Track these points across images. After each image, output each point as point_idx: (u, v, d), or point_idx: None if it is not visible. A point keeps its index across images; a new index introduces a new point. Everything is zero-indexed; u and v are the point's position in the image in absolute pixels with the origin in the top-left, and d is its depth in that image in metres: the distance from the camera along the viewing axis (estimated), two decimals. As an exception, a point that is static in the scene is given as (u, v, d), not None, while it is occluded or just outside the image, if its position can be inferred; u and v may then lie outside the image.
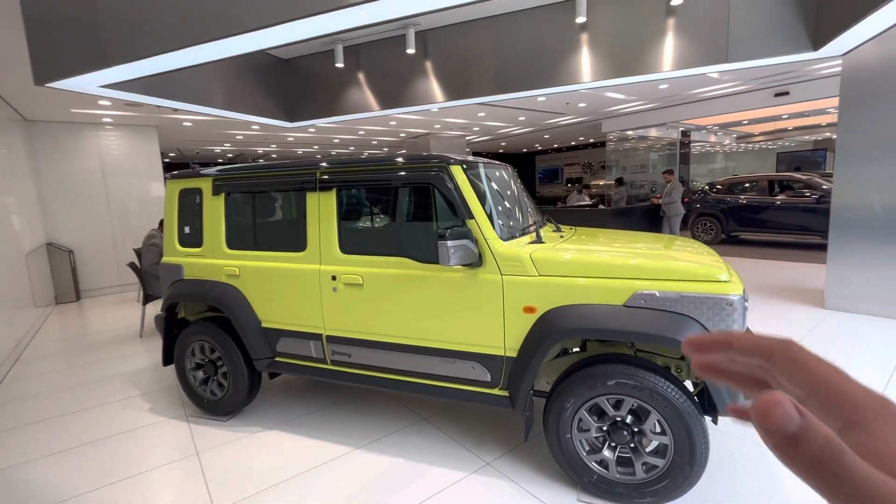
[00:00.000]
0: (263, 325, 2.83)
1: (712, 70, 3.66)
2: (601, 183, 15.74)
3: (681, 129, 12.12)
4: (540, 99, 7.45)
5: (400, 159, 2.39)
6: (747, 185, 9.41)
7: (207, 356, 3.04)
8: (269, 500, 2.21)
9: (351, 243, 2.56)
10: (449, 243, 2.04)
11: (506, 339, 2.19)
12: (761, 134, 14.70)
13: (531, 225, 2.65)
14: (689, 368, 2.21)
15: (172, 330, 3.20)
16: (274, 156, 13.93)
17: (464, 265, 2.19)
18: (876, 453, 0.21)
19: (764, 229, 8.99)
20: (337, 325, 2.59)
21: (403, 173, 2.37)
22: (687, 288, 1.87)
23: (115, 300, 7.11)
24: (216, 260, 2.94)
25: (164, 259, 3.17)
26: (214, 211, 2.93)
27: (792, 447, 0.21)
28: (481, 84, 4.28)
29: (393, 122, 9.28)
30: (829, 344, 3.84)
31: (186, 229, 3.07)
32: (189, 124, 7.87)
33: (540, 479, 2.26)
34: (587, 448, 2.10)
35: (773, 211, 8.76)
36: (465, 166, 2.32)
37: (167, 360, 3.20)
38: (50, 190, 7.01)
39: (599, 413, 2.07)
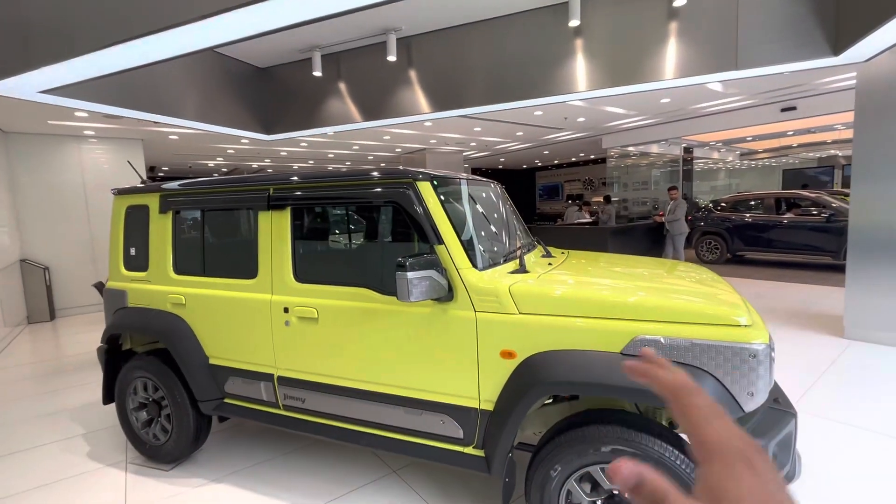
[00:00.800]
0: (211, 361, 2.48)
1: (720, 78, 3.36)
2: (602, 199, 15.43)
3: (683, 145, 11.86)
4: (537, 113, 7.19)
5: (363, 174, 2.07)
6: (753, 202, 9.08)
7: (151, 395, 2.68)
8: (193, 584, 1.82)
9: (306, 270, 2.22)
10: (409, 275, 1.70)
11: (480, 388, 1.83)
12: (765, 151, 14.43)
13: (516, 250, 2.30)
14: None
15: (117, 363, 2.85)
16: (269, 170, 13.73)
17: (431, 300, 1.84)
18: (706, 485, 0.28)
19: (771, 249, 8.62)
20: (289, 366, 2.24)
21: (365, 190, 2.05)
22: (699, 334, 1.52)
23: (91, 319, 6.77)
24: (162, 286, 2.60)
25: (109, 284, 2.84)
26: (161, 231, 2.60)
27: (635, 494, 0.29)
28: (470, 94, 3.99)
29: (387, 137, 9.04)
30: (854, 380, 3.44)
31: (132, 251, 2.74)
32: (175, 137, 7.63)
33: (522, 559, 1.87)
34: (578, 526, 1.72)
35: (780, 230, 8.41)
36: (435, 182, 1.99)
37: (108, 397, 2.84)
38: (27, 204, 6.74)
39: (592, 483, 1.70)
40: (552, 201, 18.89)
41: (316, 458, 2.69)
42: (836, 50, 2.93)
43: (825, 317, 5.07)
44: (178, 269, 2.57)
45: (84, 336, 5.82)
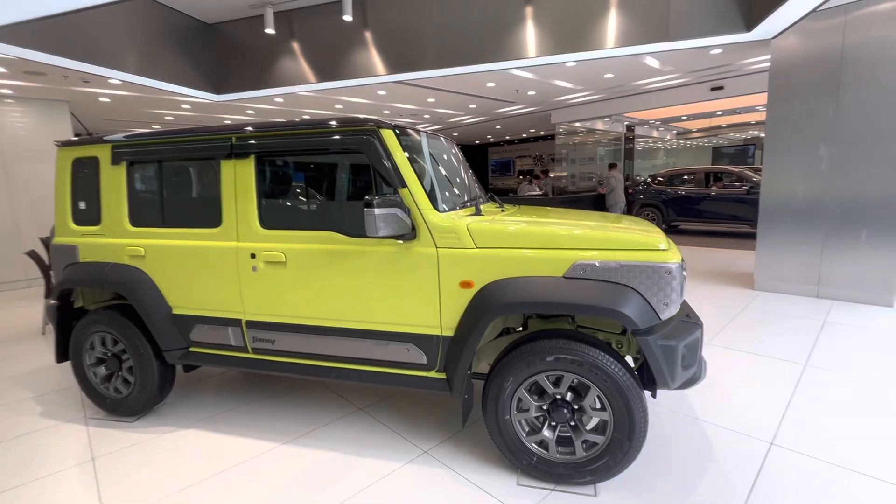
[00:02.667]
0: (174, 311, 2.51)
1: (654, 49, 3.68)
2: (552, 175, 16.07)
3: (625, 122, 12.54)
4: (489, 84, 7.36)
5: (327, 122, 2.16)
6: (686, 176, 9.87)
7: (110, 349, 2.67)
8: (173, 508, 1.93)
9: (272, 217, 2.30)
10: (376, 212, 1.85)
11: (441, 317, 2.03)
12: (698, 131, 15.54)
13: (473, 199, 2.49)
14: (630, 343, 2.16)
15: (69, 321, 2.79)
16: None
17: (395, 237, 2.00)
18: None
19: (700, 219, 9.46)
20: (258, 309, 2.33)
21: (329, 138, 2.14)
22: (627, 257, 1.79)
23: (19, 296, 6.31)
24: (117, 239, 2.57)
25: (56, 239, 2.75)
26: (114, 183, 2.55)
27: None
28: (424, 57, 4.07)
29: (339, 106, 8.89)
30: (759, 322, 4.01)
31: (82, 205, 2.67)
32: (106, 100, 7.10)
33: (479, 466, 2.13)
34: (527, 429, 1.99)
35: (708, 202, 9.23)
36: (398, 131, 2.13)
37: (62, 356, 2.79)
38: (-66, 170, 6.08)
39: (539, 392, 1.96)
40: (504, 177, 19.34)
41: (283, 403, 2.81)
42: (749, 26, 3.32)
43: (740, 274, 5.75)
44: (135, 221, 2.55)
45: (12, 311, 5.46)
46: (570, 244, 1.87)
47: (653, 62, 6.40)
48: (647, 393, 2.10)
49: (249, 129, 2.28)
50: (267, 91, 4.68)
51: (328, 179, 2.38)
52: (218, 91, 4.69)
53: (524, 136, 17.01)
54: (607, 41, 3.57)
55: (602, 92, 8.81)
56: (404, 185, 2.02)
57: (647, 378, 2.03)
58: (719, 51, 5.80)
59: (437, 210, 2.05)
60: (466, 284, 1.96)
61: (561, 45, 3.68)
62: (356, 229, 2.11)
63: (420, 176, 2.09)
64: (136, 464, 2.24)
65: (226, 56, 4.55)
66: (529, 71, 6.52)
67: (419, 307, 2.05)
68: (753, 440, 2.26)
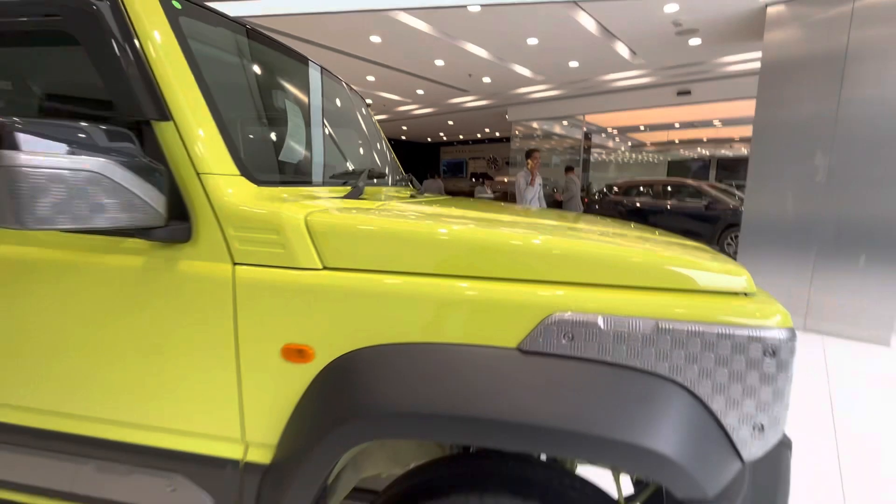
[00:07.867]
0: None
1: None
2: (505, 180, 15.44)
3: (584, 129, 12.05)
4: (438, 62, 6.31)
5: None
6: (643, 188, 9.36)
7: None
8: None
9: None
10: (25, 157, 0.68)
11: (245, 421, 0.90)
12: (652, 144, 15.44)
13: (360, 173, 1.37)
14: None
15: None
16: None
17: (120, 232, 0.86)
18: None
19: (657, 233, 8.95)
20: None
21: (20, 8, 0.95)
22: (671, 308, 0.75)
23: None
24: None
25: None
26: None
27: None
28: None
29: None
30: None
31: None
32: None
33: None
34: None
35: (664, 215, 8.72)
36: (177, 5, 0.97)
37: None
38: None
39: None
40: (456, 178, 18.43)
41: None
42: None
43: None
44: None
45: None
46: (541, 269, 0.80)
47: (623, 50, 5.63)
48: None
49: None
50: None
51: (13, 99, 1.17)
52: None
53: (479, 136, 16.19)
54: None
55: (564, 87, 8.04)
56: (167, 115, 0.87)
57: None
58: (698, 41, 5.11)
59: (250, 177, 0.92)
60: (298, 353, 0.85)
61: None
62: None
63: (223, 101, 0.95)
64: None
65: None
66: (485, 47, 5.56)
67: (193, 395, 0.90)
68: None
